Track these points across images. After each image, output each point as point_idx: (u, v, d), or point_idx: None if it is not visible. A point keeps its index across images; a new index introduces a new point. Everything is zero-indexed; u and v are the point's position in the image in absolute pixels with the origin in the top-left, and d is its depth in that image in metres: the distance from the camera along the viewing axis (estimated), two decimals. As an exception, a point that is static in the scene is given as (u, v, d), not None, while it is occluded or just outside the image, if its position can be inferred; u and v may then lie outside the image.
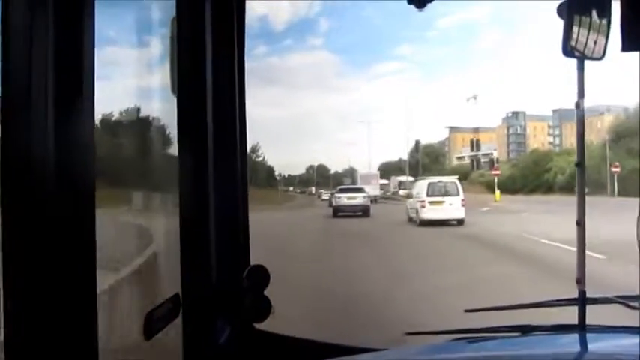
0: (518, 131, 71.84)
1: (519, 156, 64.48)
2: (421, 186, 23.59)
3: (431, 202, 21.69)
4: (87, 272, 0.94)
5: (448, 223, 21.27)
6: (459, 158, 69.88)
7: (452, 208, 21.58)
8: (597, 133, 54.90)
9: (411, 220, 22.98)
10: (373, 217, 26.97)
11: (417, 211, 22.22)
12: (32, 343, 0.87)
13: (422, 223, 21.21)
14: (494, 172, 45.14)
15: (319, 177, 70.57)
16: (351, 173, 65.25)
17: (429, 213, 21.31)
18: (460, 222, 21.16)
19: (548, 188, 47.18)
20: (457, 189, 22.53)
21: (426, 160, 64.89)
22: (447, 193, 22.24)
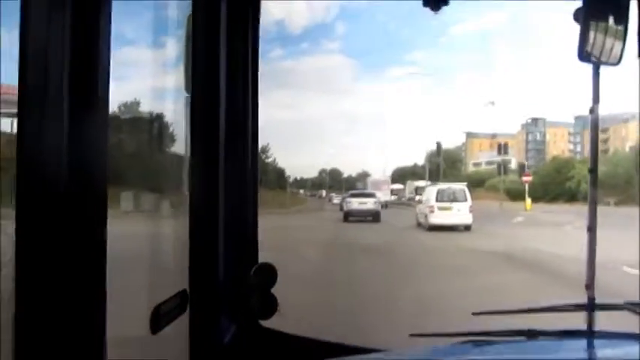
0: (538, 138, 68.71)
1: (540, 163, 61.61)
2: (430, 192, 24.25)
3: (439, 208, 22.12)
4: (97, 268, 0.95)
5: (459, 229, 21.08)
6: (476, 164, 67.34)
7: (460, 213, 21.92)
8: (622, 140, 53.07)
9: (419, 224, 23.27)
10: (383, 222, 26.53)
11: (425, 216, 22.60)
12: (43, 335, 0.89)
13: (431, 227, 21.48)
14: (525, 179, 41.92)
15: (332, 180, 68.97)
16: (364, 177, 64.75)
17: (438, 218, 21.71)
18: (467, 227, 21.38)
19: (571, 197, 42.79)
20: (465, 195, 22.95)
21: (442, 166, 61.63)
22: (455, 199, 22.63)
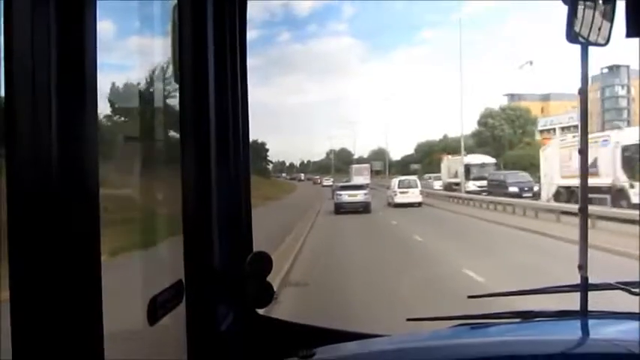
0: (619, 92, 47.87)
1: (624, 125, 37.44)
2: (394, 182, 35.58)
3: (400, 192, 33.46)
4: (92, 266, 0.95)
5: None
6: (542, 131, 48.93)
7: (413, 195, 33.25)
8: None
9: (389, 204, 33.75)
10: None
11: (392, 197, 33.75)
12: (40, 331, 0.88)
13: (395, 205, 32.38)
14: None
15: (341, 163, 64.50)
16: (381, 156, 62.67)
17: (400, 199, 32.84)
18: (419, 204, 32.49)
19: None
20: (417, 183, 34.67)
21: (507, 131, 46.01)
22: (410, 186, 34.07)
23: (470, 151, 44.94)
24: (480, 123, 50.63)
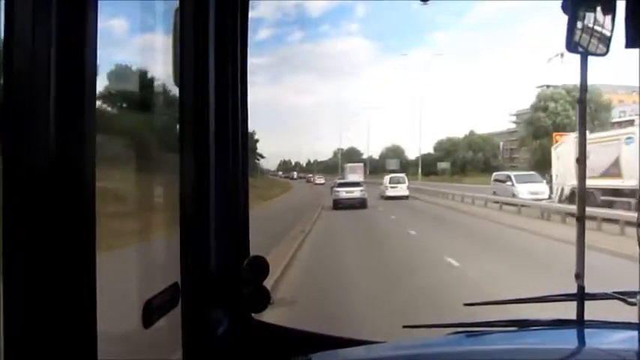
0: None
1: None
2: (386, 178, 40.72)
3: (390, 187, 38.61)
4: (87, 266, 0.94)
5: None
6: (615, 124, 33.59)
7: (402, 190, 38.13)
8: None
9: (381, 196, 37.59)
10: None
11: (383, 191, 38.51)
12: (32, 331, 0.88)
13: (386, 198, 36.94)
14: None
15: (349, 162, 61.78)
16: (397, 153, 61.18)
17: (390, 192, 37.74)
18: (406, 197, 36.95)
19: None
20: (405, 180, 39.90)
21: (573, 118, 32.07)
22: (399, 182, 39.30)
23: (522, 143, 32.27)
24: (536, 107, 39.09)
